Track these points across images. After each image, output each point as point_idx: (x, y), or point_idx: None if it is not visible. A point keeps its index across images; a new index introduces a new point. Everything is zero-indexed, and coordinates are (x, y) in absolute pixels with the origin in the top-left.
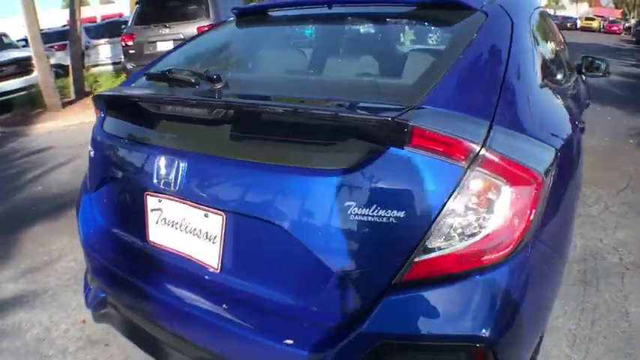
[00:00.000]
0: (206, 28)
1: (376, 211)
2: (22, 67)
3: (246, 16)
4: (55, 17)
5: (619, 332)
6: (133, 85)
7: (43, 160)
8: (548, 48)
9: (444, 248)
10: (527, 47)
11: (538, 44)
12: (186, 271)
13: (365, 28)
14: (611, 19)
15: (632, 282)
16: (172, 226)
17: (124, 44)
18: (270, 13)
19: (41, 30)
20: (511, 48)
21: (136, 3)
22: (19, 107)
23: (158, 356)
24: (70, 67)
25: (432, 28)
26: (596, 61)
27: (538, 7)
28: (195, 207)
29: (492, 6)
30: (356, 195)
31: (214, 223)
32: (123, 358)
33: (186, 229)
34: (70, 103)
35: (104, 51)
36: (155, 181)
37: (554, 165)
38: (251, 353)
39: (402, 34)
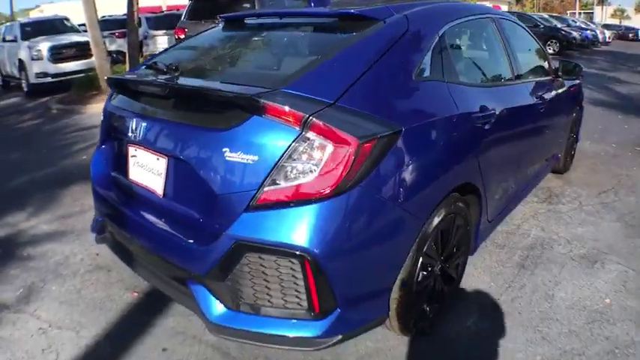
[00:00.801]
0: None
1: (241, 155)
2: (82, 50)
3: (228, 23)
4: (117, 5)
5: (536, 311)
6: (135, 71)
7: (91, 135)
8: (467, 52)
9: (284, 183)
10: (418, 48)
11: (446, 48)
12: (146, 197)
13: (296, 35)
14: None
15: (571, 271)
16: (141, 166)
17: (176, 37)
18: (245, 21)
19: (104, 17)
20: (392, 48)
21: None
22: (76, 88)
23: (132, 265)
24: (127, 54)
25: (338, 34)
26: (572, 66)
27: (475, 16)
28: (152, 153)
29: (397, 17)
30: (231, 144)
31: (162, 163)
32: (118, 279)
33: (148, 169)
34: None
35: (161, 41)
36: (132, 136)
37: (394, 138)
38: (174, 247)
39: (316, 38)
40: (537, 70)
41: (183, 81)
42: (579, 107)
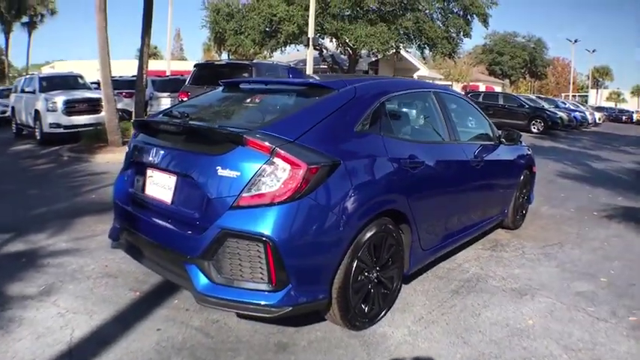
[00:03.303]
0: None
1: (228, 171)
2: (93, 106)
3: (227, 86)
4: (127, 66)
5: (462, 323)
6: (154, 117)
7: (99, 180)
8: (401, 114)
9: (255, 191)
10: (360, 110)
11: (384, 111)
12: (158, 206)
13: (276, 96)
14: None
15: (500, 300)
16: (156, 184)
17: (180, 99)
18: (239, 86)
19: (113, 77)
20: (342, 107)
21: (194, 66)
22: (85, 139)
23: (141, 260)
24: (134, 112)
25: (304, 97)
26: (514, 135)
27: (415, 89)
28: (165, 173)
29: (348, 87)
30: (222, 164)
31: (172, 180)
32: (124, 283)
33: (160, 185)
34: None
35: (165, 103)
36: (151, 161)
37: (334, 167)
38: (176, 239)
39: (289, 99)
40: (478, 136)
41: (192, 123)
42: (529, 172)
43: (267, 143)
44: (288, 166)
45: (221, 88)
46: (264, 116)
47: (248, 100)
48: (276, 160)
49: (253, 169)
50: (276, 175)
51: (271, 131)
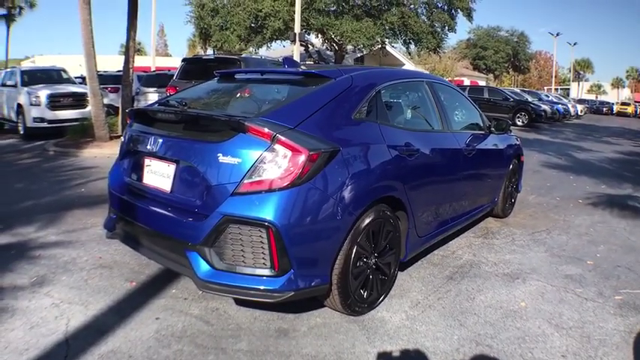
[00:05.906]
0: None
1: (229, 158)
2: (78, 100)
3: (222, 76)
4: (111, 62)
5: (458, 307)
6: (150, 106)
7: (87, 174)
8: (395, 103)
9: (257, 178)
10: (357, 98)
11: (380, 99)
12: (156, 195)
13: (272, 85)
14: None
15: (493, 284)
16: (154, 173)
17: (168, 94)
18: (235, 76)
19: (98, 72)
20: (339, 95)
21: (182, 61)
22: (71, 134)
23: (138, 249)
24: (120, 107)
25: (302, 86)
26: (504, 124)
27: (408, 79)
28: (164, 161)
29: (344, 76)
30: (223, 151)
31: (171, 168)
32: (119, 274)
33: (159, 173)
34: (117, 137)
35: (152, 98)
36: (149, 149)
37: (334, 154)
38: (177, 227)
39: (286, 88)
40: (469, 125)
41: (191, 110)
42: (518, 161)
43: (268, 130)
44: (289, 153)
45: (216, 79)
46: (263, 105)
47: (244, 90)
48: (277, 146)
49: (254, 156)
50: (277, 161)
51: (271, 118)
